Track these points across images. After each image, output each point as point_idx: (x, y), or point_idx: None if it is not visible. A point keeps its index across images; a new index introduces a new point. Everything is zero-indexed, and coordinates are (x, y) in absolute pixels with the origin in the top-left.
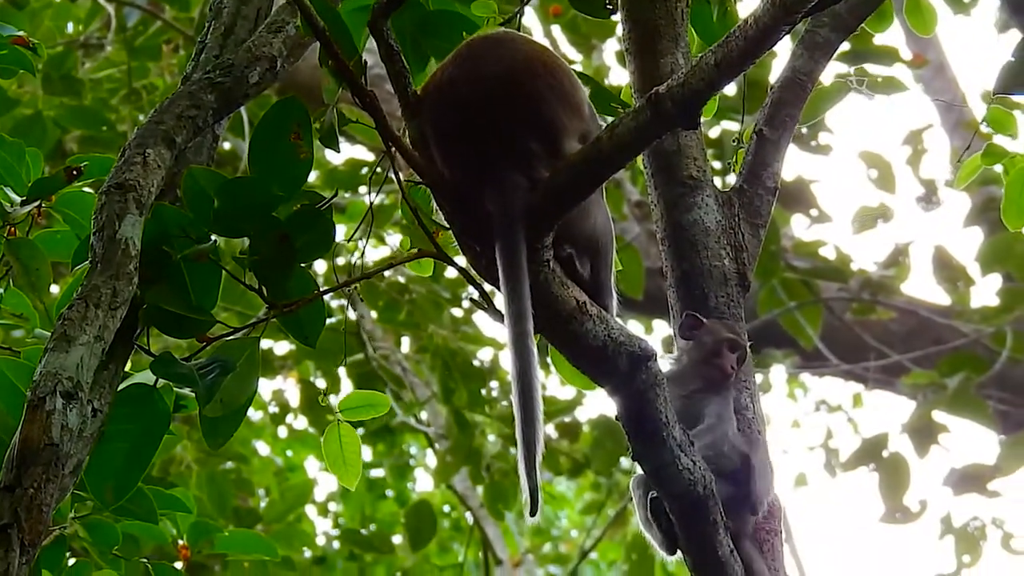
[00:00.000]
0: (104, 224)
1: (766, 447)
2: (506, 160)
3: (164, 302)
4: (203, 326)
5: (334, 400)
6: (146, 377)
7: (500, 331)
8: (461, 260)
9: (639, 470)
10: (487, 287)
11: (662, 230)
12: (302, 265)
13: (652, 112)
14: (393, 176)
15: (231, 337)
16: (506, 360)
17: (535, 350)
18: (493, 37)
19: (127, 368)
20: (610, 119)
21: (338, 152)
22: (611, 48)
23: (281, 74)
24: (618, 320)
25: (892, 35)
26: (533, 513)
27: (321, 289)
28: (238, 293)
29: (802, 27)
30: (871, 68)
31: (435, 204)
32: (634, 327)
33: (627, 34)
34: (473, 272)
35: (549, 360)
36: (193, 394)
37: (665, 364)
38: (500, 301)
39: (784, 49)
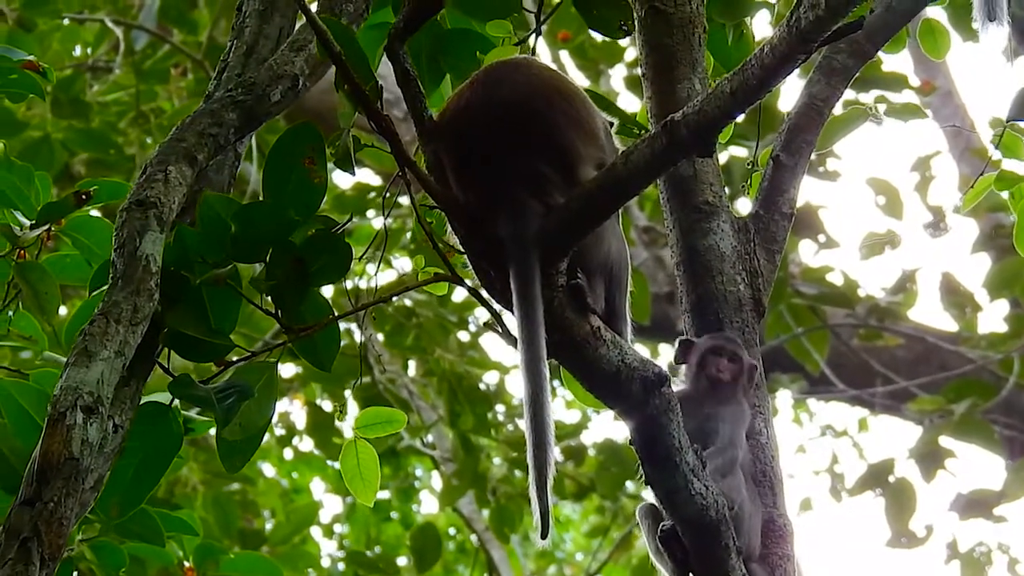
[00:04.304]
0: (125, 240)
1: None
2: (521, 186)
3: (184, 326)
4: (222, 350)
5: (349, 419)
6: (162, 396)
7: (510, 355)
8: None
9: (645, 495)
10: (500, 310)
11: (678, 255)
12: (315, 289)
13: (667, 139)
14: (404, 199)
15: (249, 361)
16: (514, 384)
17: (547, 374)
18: (510, 63)
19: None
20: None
21: (353, 175)
22: (619, 74)
23: (302, 92)
24: (632, 345)
25: (900, 61)
26: (544, 536)
27: (333, 313)
28: (244, 315)
29: (818, 54)
30: (880, 94)
31: (449, 228)
32: (640, 352)
33: (644, 59)
34: (486, 295)
35: (556, 383)
36: (200, 416)
37: (675, 388)
38: (513, 325)
39: (794, 75)
